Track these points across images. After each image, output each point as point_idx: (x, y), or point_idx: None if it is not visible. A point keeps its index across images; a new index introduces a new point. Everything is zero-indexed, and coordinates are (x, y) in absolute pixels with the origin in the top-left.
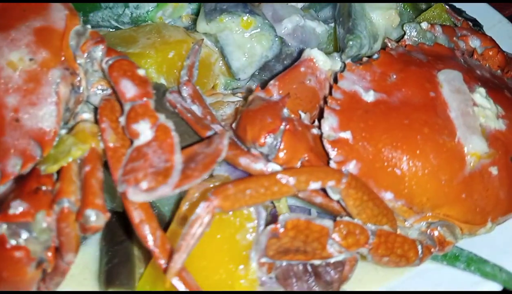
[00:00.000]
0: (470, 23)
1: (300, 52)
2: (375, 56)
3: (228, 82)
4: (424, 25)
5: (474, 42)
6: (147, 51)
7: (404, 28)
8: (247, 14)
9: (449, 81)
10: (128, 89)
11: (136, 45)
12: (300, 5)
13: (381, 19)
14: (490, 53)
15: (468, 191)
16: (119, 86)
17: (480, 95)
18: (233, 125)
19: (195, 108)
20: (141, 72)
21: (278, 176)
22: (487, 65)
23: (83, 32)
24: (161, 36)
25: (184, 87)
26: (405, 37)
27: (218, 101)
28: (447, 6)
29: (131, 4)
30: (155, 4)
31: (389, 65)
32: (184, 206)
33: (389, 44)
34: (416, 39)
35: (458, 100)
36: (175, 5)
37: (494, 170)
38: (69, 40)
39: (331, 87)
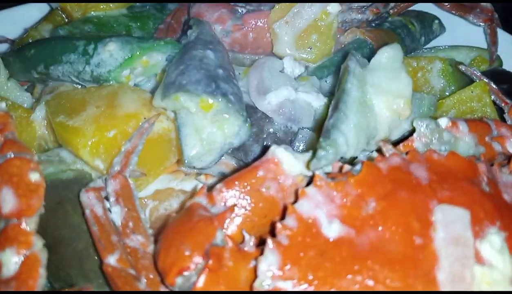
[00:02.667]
0: None
1: (285, 131)
2: (357, 167)
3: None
4: (444, 122)
5: None
6: (86, 127)
7: (414, 124)
8: (208, 95)
9: (447, 224)
10: (7, 201)
11: (80, 116)
12: (301, 70)
13: (386, 109)
14: None
15: None
16: None
17: (491, 246)
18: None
19: (117, 211)
20: (33, 177)
21: None
22: None
23: None
24: (112, 105)
25: (111, 181)
26: (414, 135)
27: (168, 188)
28: (493, 85)
29: (92, 61)
30: (118, 62)
31: (371, 186)
32: None
33: (383, 149)
34: (428, 140)
35: (453, 256)
36: (146, 63)
37: None
38: None
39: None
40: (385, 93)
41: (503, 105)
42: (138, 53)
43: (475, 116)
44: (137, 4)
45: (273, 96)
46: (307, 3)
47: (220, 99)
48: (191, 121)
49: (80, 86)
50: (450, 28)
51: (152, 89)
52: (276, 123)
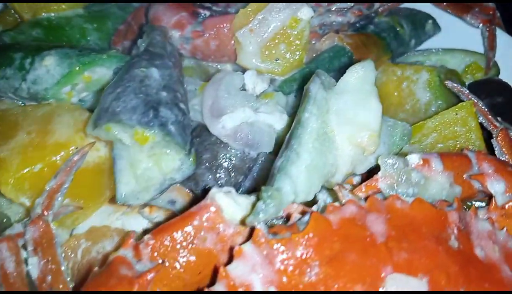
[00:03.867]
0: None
1: (242, 158)
2: (304, 218)
3: None
4: (413, 159)
5: (495, 186)
6: (10, 160)
7: (379, 162)
8: (144, 127)
9: None
10: None
11: (7, 145)
12: (263, 86)
13: (349, 142)
14: None
15: None
16: None
17: None
18: None
19: (34, 262)
20: None
21: None
22: (504, 231)
23: None
24: (44, 130)
25: (30, 227)
26: (379, 174)
27: (104, 226)
28: (481, 105)
29: (28, 78)
30: (56, 79)
31: (317, 245)
32: None
33: (339, 194)
34: (395, 181)
35: None
36: (88, 78)
37: None
38: None
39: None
40: (349, 123)
41: (491, 128)
42: (77, 68)
43: (458, 142)
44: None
45: (228, 120)
46: (274, 9)
47: (157, 131)
48: (126, 154)
49: (21, 102)
50: (445, 27)
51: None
52: (232, 149)
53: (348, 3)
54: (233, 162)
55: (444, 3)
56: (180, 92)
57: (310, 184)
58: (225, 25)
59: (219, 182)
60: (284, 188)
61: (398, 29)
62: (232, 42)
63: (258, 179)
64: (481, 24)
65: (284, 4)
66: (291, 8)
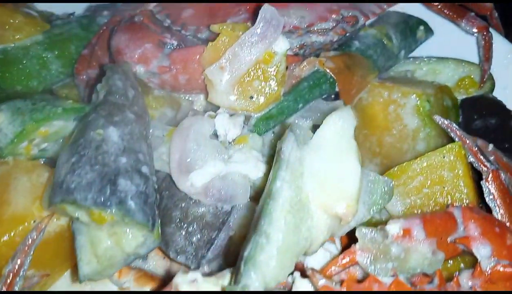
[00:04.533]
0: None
1: (215, 213)
2: None
3: None
4: (393, 230)
5: (481, 251)
6: None
7: (356, 233)
8: (100, 207)
9: None
10: None
11: None
12: (236, 132)
13: (324, 212)
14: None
15: None
16: None
17: None
18: None
19: None
20: None
21: None
22: None
23: None
24: (0, 200)
25: None
26: (356, 247)
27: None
28: (471, 144)
29: None
30: (9, 139)
31: None
32: None
33: (312, 280)
34: (373, 255)
35: None
36: (44, 133)
37: None
38: None
39: None
40: (325, 189)
41: (481, 168)
42: (31, 126)
43: (445, 188)
44: (58, 22)
45: (197, 177)
46: (246, 43)
47: (114, 211)
48: (86, 230)
49: None
50: (438, 29)
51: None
52: (204, 205)
53: (330, 23)
54: (206, 218)
55: (438, 6)
56: (143, 150)
57: (282, 267)
58: (193, 58)
59: (191, 241)
60: (251, 285)
61: (385, 42)
62: (202, 76)
63: (235, 227)
64: (476, 31)
65: (257, 37)
66: (265, 42)
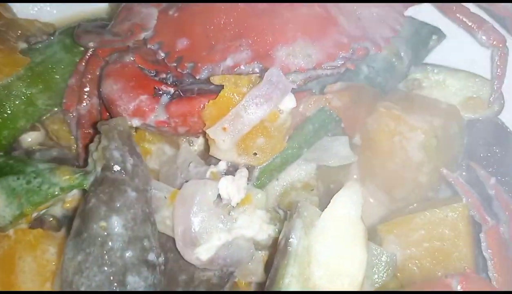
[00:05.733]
0: None
1: (220, 275)
2: None
3: None
4: None
5: None
6: None
7: None
8: None
9: None
10: None
11: None
12: (240, 196)
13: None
14: None
15: None
16: None
17: None
18: None
19: None
20: None
21: None
22: None
23: None
24: (8, 281)
25: None
26: None
27: None
28: (476, 198)
29: None
30: (8, 220)
31: None
32: None
33: None
34: None
35: None
36: (44, 207)
37: None
38: None
39: None
40: (332, 279)
41: (482, 222)
42: (29, 209)
43: (445, 245)
44: (39, 45)
45: (203, 252)
46: (251, 104)
47: None
48: None
49: None
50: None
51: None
52: (209, 270)
53: (339, 61)
54: (212, 281)
55: (456, 14)
56: (148, 234)
57: None
58: (193, 113)
59: None
60: None
61: (396, 63)
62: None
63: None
64: (492, 44)
65: (262, 98)
66: (270, 103)
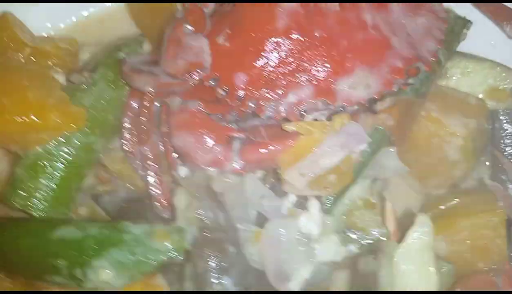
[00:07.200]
0: None
1: None
2: None
3: None
4: None
5: None
6: None
7: None
8: None
9: None
10: None
11: None
12: (318, 229)
13: None
14: None
15: None
16: None
17: None
18: None
19: None
20: None
21: None
22: None
23: None
24: None
25: None
26: None
27: None
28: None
29: (84, 285)
30: (122, 285)
31: None
32: None
33: None
34: None
35: None
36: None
37: None
38: None
39: None
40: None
41: None
42: (140, 277)
43: (486, 242)
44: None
45: (295, 285)
46: (327, 153)
47: None
48: None
49: None
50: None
51: None
52: None
53: (395, 87)
54: None
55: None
56: None
57: None
58: (268, 159)
59: None
60: None
61: (436, 70)
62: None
63: None
64: None
65: (338, 147)
66: (346, 150)
